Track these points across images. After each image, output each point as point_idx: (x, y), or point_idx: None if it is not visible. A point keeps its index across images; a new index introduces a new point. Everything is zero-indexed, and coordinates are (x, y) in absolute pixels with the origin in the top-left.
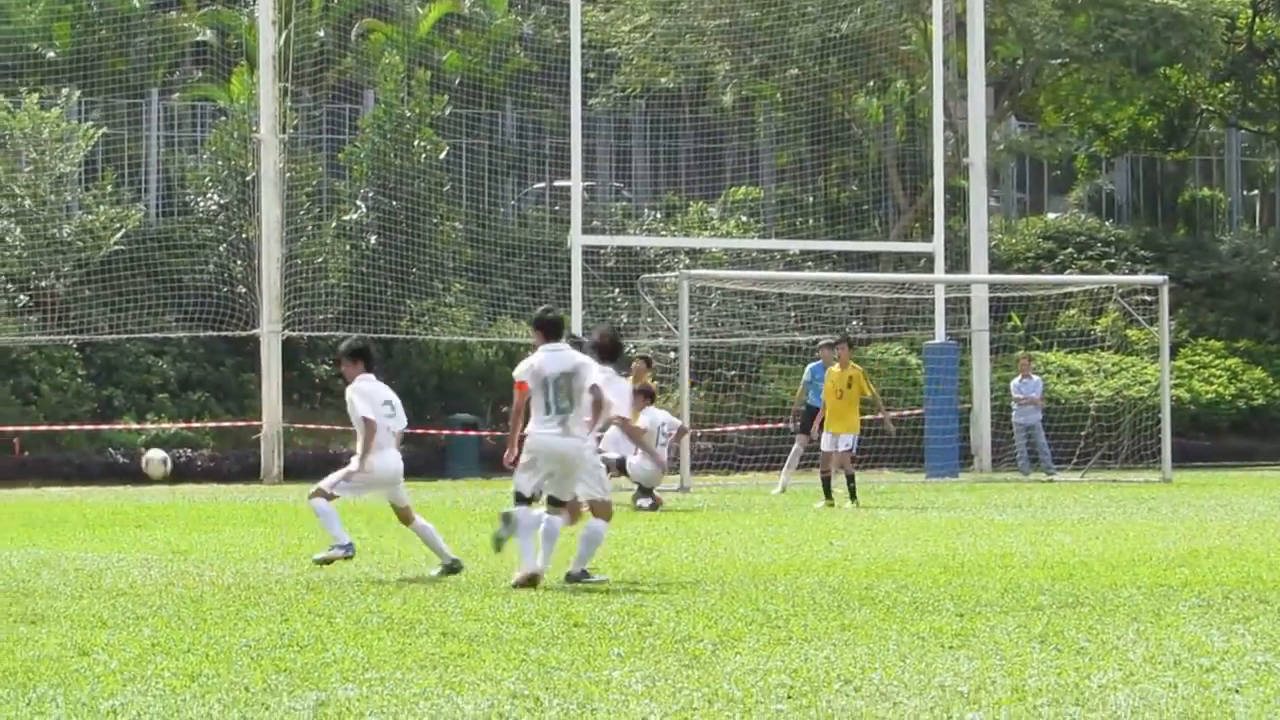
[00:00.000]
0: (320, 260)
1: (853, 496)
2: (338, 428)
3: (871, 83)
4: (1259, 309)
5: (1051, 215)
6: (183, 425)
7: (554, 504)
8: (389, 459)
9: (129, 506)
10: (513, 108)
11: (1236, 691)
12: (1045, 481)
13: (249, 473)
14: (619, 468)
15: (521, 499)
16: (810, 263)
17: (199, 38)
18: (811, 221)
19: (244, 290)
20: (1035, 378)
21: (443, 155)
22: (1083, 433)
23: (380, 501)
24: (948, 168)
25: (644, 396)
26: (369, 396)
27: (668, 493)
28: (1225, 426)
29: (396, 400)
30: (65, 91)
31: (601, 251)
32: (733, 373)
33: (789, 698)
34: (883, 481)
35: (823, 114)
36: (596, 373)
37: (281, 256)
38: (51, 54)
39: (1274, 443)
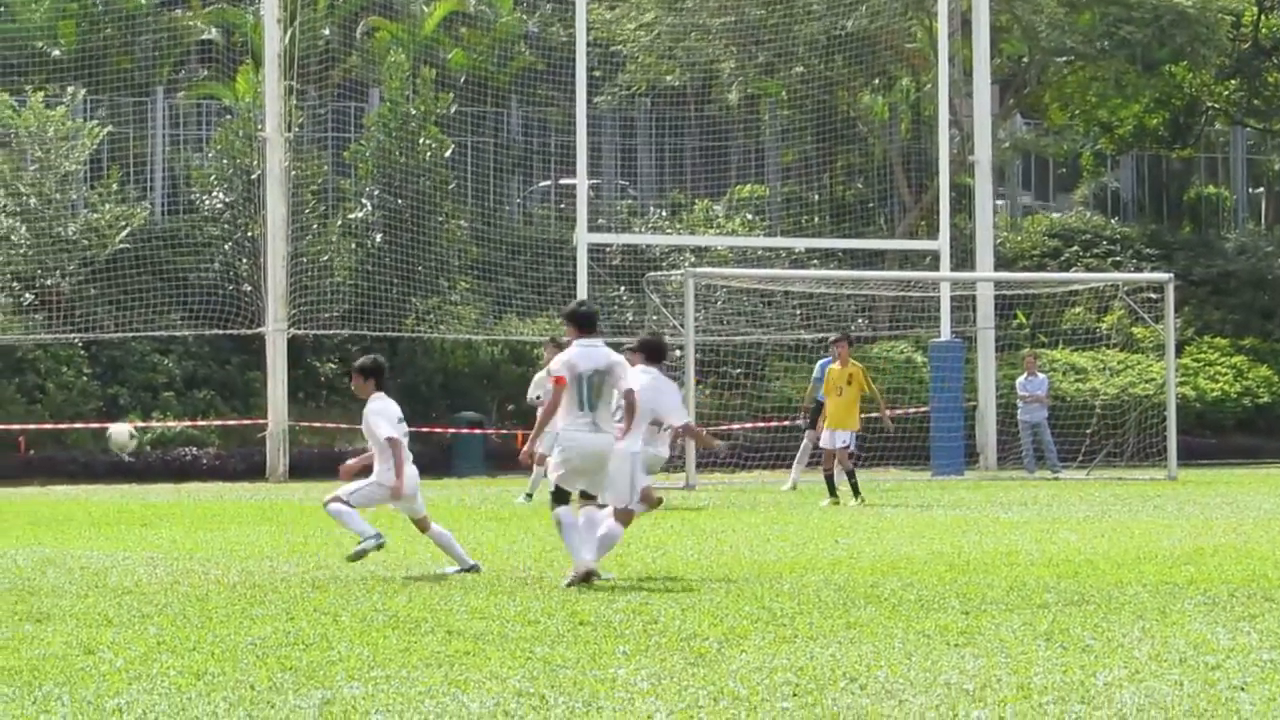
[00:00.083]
0: (325, 258)
1: (856, 493)
2: (343, 426)
3: (877, 80)
4: (1264, 306)
5: (1057, 213)
6: (188, 423)
7: (586, 498)
8: (411, 474)
9: (134, 505)
10: (518, 106)
11: (1242, 689)
12: (1050, 479)
13: (254, 471)
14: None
15: (562, 497)
16: (815, 261)
17: (204, 36)
18: (817, 219)
19: (249, 288)
20: (1041, 375)
21: (448, 153)
22: (1088, 430)
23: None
24: (953, 165)
25: None
26: (389, 415)
27: (671, 490)
28: (1231, 424)
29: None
30: (70, 90)
31: (607, 250)
32: (738, 371)
33: (794, 695)
34: (888, 479)
35: (828, 112)
36: (630, 373)
37: (287, 255)
38: (56, 52)
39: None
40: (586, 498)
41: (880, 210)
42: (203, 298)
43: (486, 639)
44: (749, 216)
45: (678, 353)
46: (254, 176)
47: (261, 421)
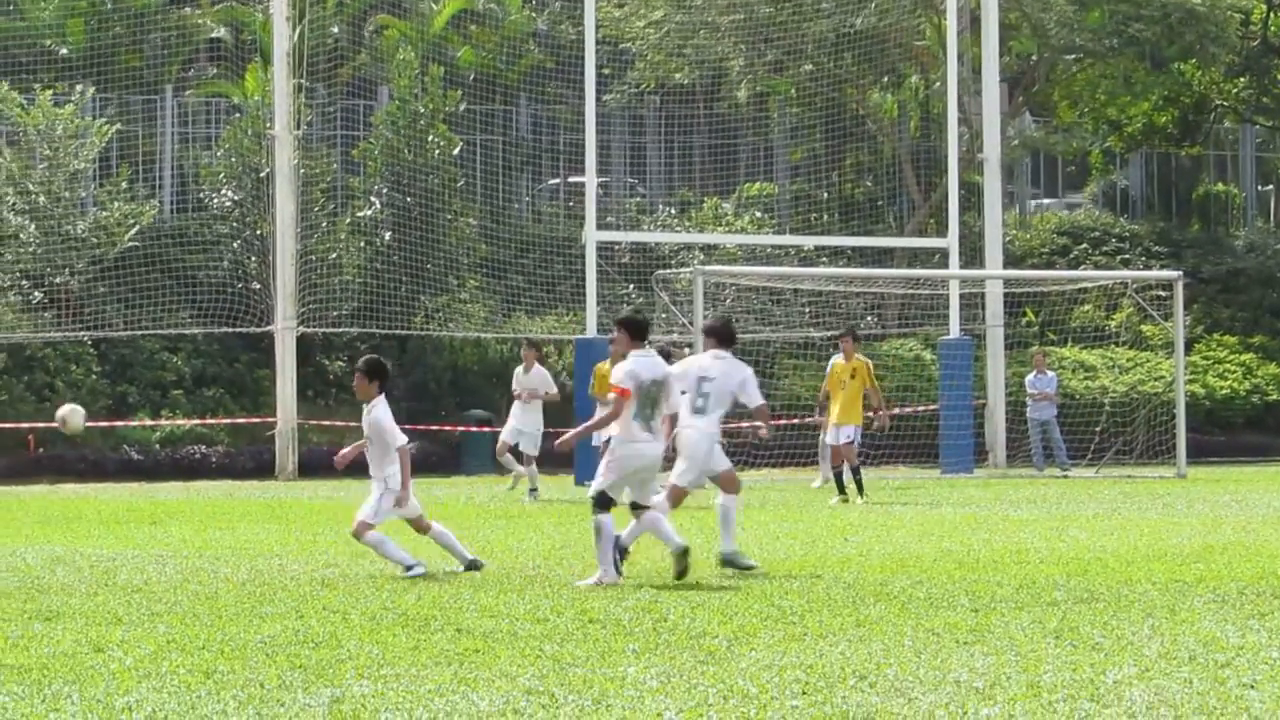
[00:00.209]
0: (334, 256)
1: (860, 491)
2: (352, 424)
3: (886, 78)
4: (1273, 304)
5: (1066, 211)
6: (197, 422)
7: (636, 509)
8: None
9: (143, 503)
10: (527, 104)
11: (1252, 687)
12: (1060, 477)
13: (263, 469)
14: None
15: (607, 504)
16: (825, 258)
17: (213, 34)
18: (826, 217)
19: (258, 286)
20: (1050, 373)
21: (456, 151)
22: (1097, 428)
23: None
24: (962, 163)
25: None
26: (393, 420)
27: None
28: (1240, 422)
29: None
30: (79, 88)
31: (616, 247)
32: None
33: (804, 693)
34: (897, 477)
35: (837, 110)
36: (703, 357)
37: (296, 253)
38: (65, 50)
39: None
40: (638, 508)
41: (889, 208)
42: (212, 296)
43: (496, 637)
44: (758, 214)
45: (686, 350)
46: (263, 174)
47: (270, 419)
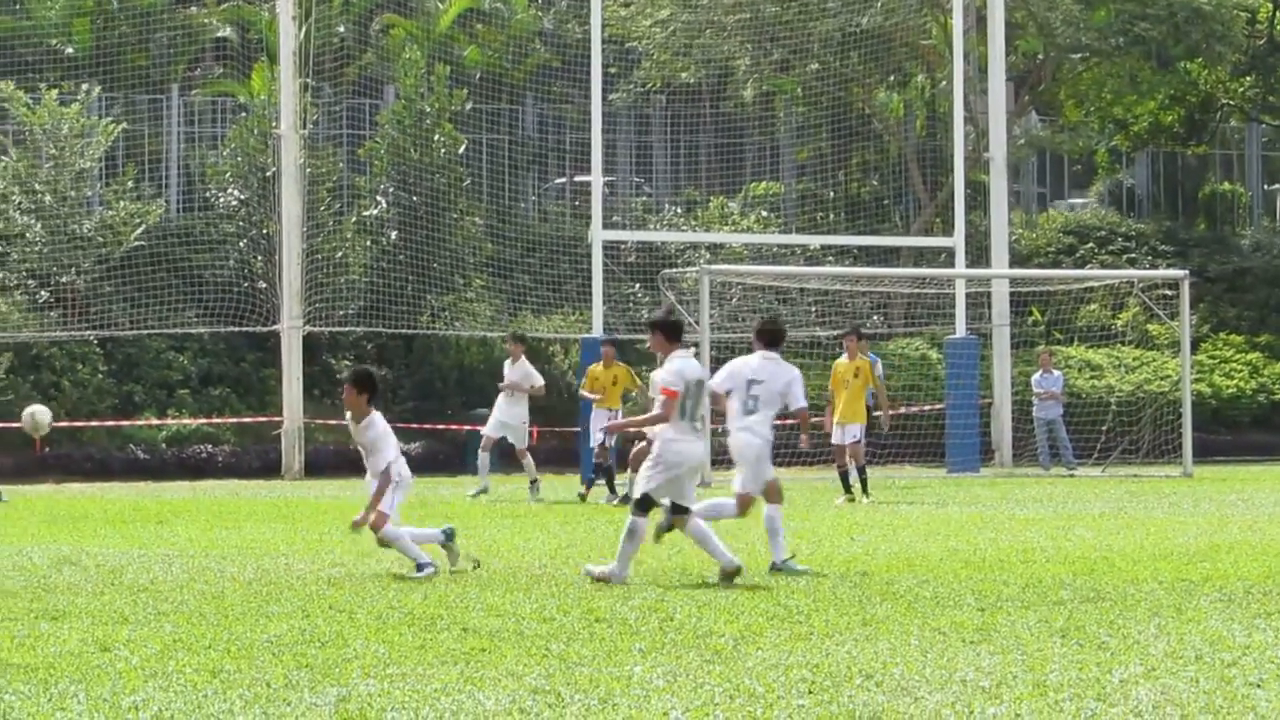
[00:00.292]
0: (340, 255)
1: (865, 490)
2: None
3: (892, 77)
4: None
5: (1071, 210)
6: (203, 421)
7: (679, 511)
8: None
9: (150, 502)
10: (533, 103)
11: (1258, 686)
12: (1066, 476)
13: (270, 468)
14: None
15: (648, 507)
16: (831, 258)
17: (219, 33)
18: (832, 216)
19: (264, 286)
20: (1056, 372)
21: (462, 150)
22: (1104, 427)
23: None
24: (968, 162)
25: None
26: (392, 438)
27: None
28: (1246, 421)
29: None
30: (85, 87)
31: (622, 247)
32: None
33: (810, 693)
34: (904, 476)
35: (843, 109)
36: (752, 358)
37: (302, 252)
38: (71, 49)
39: None
40: (680, 510)
41: (895, 207)
42: (218, 295)
43: (502, 636)
44: (764, 213)
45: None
46: (269, 174)
47: (277, 419)
